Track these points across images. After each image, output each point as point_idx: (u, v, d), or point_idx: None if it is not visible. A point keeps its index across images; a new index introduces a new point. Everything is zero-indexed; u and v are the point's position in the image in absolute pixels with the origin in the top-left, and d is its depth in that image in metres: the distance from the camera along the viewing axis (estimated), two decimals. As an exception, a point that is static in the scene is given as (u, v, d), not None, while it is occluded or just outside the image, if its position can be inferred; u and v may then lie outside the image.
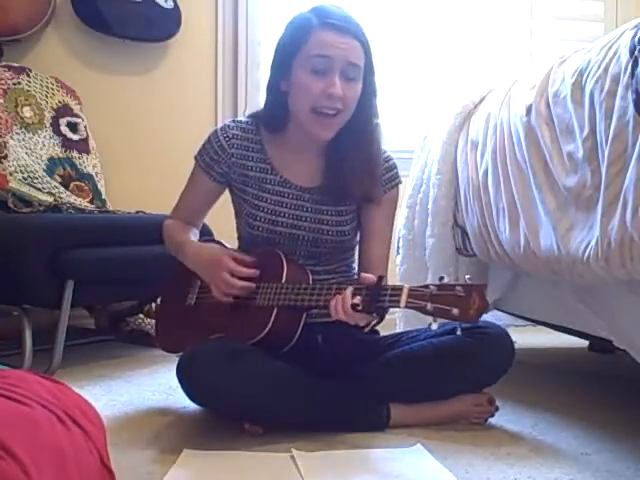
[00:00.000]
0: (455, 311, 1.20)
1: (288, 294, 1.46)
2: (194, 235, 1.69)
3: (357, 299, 1.32)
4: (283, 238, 1.60)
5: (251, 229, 1.61)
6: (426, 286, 1.25)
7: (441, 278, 1.26)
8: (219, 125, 1.67)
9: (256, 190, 1.62)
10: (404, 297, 1.26)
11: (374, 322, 1.38)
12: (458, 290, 1.20)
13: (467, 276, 1.26)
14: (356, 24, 1.51)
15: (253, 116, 1.68)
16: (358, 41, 1.49)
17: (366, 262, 1.64)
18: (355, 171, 1.57)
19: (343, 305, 1.33)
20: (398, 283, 1.33)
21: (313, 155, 1.62)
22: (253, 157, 1.63)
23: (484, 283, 1.25)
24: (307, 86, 1.49)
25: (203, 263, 1.57)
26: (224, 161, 1.63)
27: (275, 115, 1.60)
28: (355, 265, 1.71)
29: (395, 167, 1.67)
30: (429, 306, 1.22)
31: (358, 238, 1.69)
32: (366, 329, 1.39)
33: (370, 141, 1.60)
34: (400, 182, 1.68)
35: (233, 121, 1.67)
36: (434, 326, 1.23)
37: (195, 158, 1.68)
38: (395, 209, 1.69)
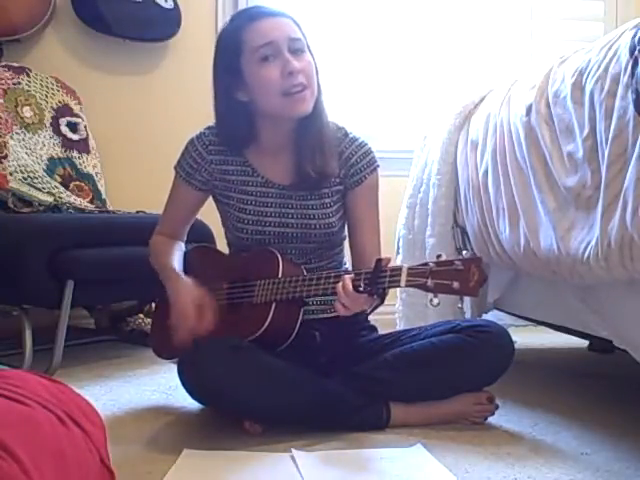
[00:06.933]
0: (455, 284, 1.22)
1: (286, 287, 1.47)
2: (179, 250, 1.69)
3: (359, 280, 1.34)
4: (272, 238, 1.60)
5: (240, 233, 1.61)
6: (425, 264, 1.27)
7: (439, 256, 1.28)
8: (194, 134, 1.66)
9: (240, 194, 1.62)
10: (404, 277, 1.28)
11: (375, 304, 1.40)
12: (457, 264, 1.23)
13: (464, 252, 1.27)
14: (279, 9, 1.56)
15: None
16: (288, 18, 1.54)
17: (359, 253, 1.63)
18: (306, 145, 1.56)
19: (345, 286, 1.34)
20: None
21: (288, 153, 1.61)
22: (232, 161, 1.63)
23: (481, 256, 1.27)
24: (265, 76, 1.49)
25: (176, 307, 1.55)
26: (204, 169, 1.63)
27: (238, 134, 1.59)
28: (345, 261, 1.72)
29: (371, 152, 1.65)
30: (429, 282, 1.24)
31: (346, 232, 1.69)
32: (367, 311, 1.41)
33: (318, 113, 1.57)
34: (378, 166, 1.66)
35: (209, 128, 1.66)
36: (435, 301, 1.25)
37: (175, 169, 1.68)
38: (377, 194, 1.68)
